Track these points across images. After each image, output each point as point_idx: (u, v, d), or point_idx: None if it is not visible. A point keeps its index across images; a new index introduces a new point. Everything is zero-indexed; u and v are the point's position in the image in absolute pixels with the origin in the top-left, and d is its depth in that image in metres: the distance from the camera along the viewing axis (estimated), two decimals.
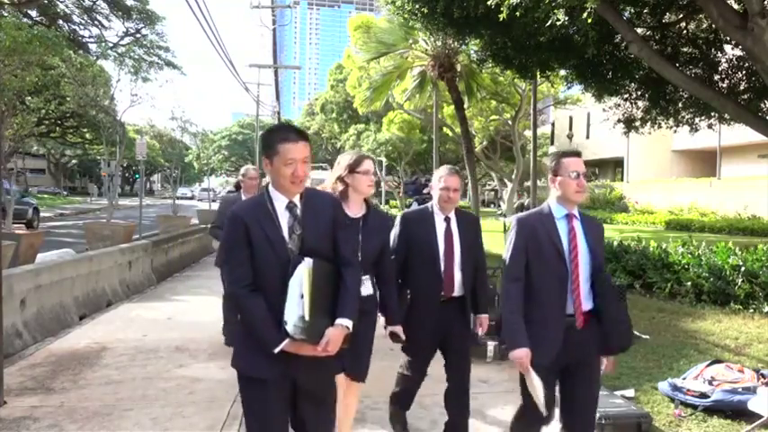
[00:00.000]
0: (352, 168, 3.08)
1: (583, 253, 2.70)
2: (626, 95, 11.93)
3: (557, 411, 2.80)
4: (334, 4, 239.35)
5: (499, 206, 35.30)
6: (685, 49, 10.75)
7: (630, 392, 4.32)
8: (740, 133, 17.50)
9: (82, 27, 22.98)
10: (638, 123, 12.61)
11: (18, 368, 5.00)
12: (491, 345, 5.03)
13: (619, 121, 12.85)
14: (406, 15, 10.77)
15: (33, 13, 20.46)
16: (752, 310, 6.86)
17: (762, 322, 6.44)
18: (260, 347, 2.22)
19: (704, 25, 10.40)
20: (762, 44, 6.95)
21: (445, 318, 3.29)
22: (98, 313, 7.28)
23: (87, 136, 31.29)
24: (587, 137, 34.59)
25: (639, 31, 9.49)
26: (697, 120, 11.95)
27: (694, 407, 4.08)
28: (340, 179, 3.08)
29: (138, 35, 22.15)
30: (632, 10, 9.65)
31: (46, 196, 42.25)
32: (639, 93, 11.81)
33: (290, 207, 2.29)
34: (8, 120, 12.33)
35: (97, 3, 22.17)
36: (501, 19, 7.43)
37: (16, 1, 13.68)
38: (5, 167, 14.78)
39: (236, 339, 2.38)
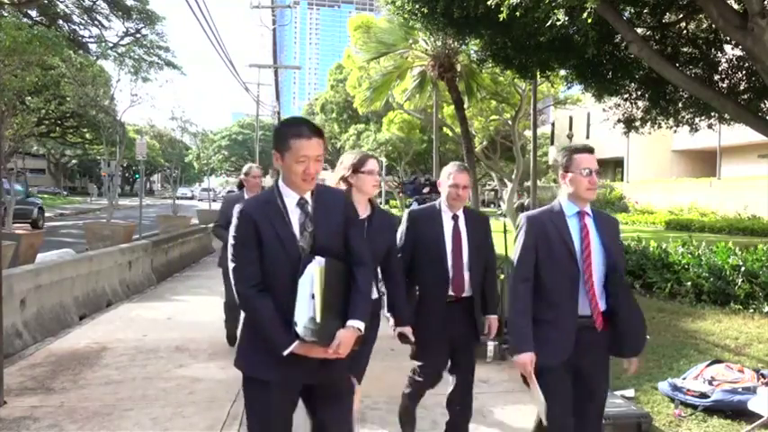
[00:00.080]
0: (357, 168, 3.02)
1: (596, 251, 2.61)
2: (626, 95, 11.92)
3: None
4: (334, 4, 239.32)
5: (499, 206, 35.30)
6: (685, 49, 10.75)
7: (630, 392, 4.32)
8: (740, 133, 17.50)
9: (82, 27, 23.01)
10: (638, 123, 12.60)
11: (18, 368, 5.00)
12: (491, 345, 5.03)
13: (619, 121, 12.84)
14: (406, 15, 10.76)
15: (33, 13, 20.48)
16: (752, 310, 6.86)
17: (762, 322, 6.44)
18: (265, 348, 2.16)
19: (704, 25, 10.39)
20: (762, 44, 6.95)
21: (452, 318, 3.19)
22: (98, 313, 7.28)
23: (87, 136, 31.27)
24: (587, 137, 34.57)
25: (639, 31, 9.49)
26: (697, 120, 11.95)
27: (694, 407, 4.08)
28: (344, 179, 3.02)
29: (138, 35, 22.17)
30: (632, 10, 9.65)
31: (46, 196, 42.15)
32: (639, 93, 11.80)
33: (302, 204, 2.22)
34: (8, 120, 12.32)
35: (97, 3, 22.19)
36: (501, 19, 7.43)
37: (16, 1, 13.67)
38: (5, 167, 14.77)
39: (240, 339, 2.32)
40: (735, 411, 3.93)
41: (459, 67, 17.64)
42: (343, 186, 3.01)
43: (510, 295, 2.70)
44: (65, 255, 8.60)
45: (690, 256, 7.90)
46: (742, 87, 10.88)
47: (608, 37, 9.56)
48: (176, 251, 11.57)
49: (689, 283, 7.47)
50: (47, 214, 22.30)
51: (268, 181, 19.92)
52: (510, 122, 23.93)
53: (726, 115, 10.64)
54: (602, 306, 2.61)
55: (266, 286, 2.16)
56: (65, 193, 54.70)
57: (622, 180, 32.74)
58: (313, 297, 2.09)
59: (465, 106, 18.61)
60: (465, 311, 3.22)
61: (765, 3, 6.91)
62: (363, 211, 3.00)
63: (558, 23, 7.16)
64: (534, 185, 16.65)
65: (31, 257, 9.23)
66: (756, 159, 24.30)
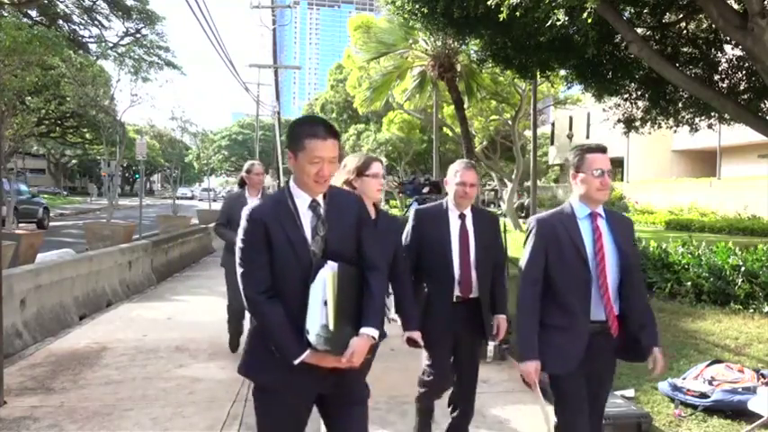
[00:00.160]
0: (361, 171, 2.94)
1: (610, 254, 2.51)
2: (626, 95, 11.92)
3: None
4: (334, 4, 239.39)
5: (499, 206, 35.28)
6: (685, 49, 10.75)
7: (630, 392, 4.32)
8: (740, 133, 17.51)
9: (82, 27, 23.03)
10: (638, 123, 12.61)
11: (18, 368, 5.00)
12: (491, 345, 5.03)
13: (619, 121, 12.85)
14: (406, 15, 10.76)
15: (33, 13, 20.50)
16: (752, 310, 6.86)
17: (762, 322, 6.44)
18: (272, 355, 2.07)
19: (704, 25, 10.39)
20: (762, 44, 6.95)
21: (458, 318, 3.12)
22: (98, 313, 7.28)
23: (87, 136, 31.29)
24: (587, 137, 34.58)
25: (639, 31, 9.49)
26: (697, 120, 11.95)
27: (694, 407, 4.08)
28: (347, 183, 2.93)
29: (138, 35, 22.20)
30: (632, 10, 9.64)
31: (46, 196, 42.00)
32: (639, 93, 11.80)
33: (314, 206, 2.14)
34: (8, 120, 12.32)
35: (97, 3, 22.20)
36: (501, 19, 7.42)
37: (16, 1, 13.67)
38: (5, 167, 14.77)
39: (248, 345, 2.23)
40: (735, 411, 3.93)
41: (459, 67, 17.64)
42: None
43: (517, 298, 2.61)
44: (65, 255, 8.60)
45: (690, 256, 7.90)
46: (742, 87, 10.88)
47: (608, 37, 9.56)
48: (176, 251, 11.57)
49: (689, 283, 7.47)
50: None
51: (268, 180, 19.91)
52: (510, 122, 23.92)
53: (726, 115, 10.64)
54: (616, 310, 2.52)
55: (276, 291, 2.08)
56: (65, 193, 54.70)
57: (622, 180, 32.73)
58: (325, 304, 2.01)
59: (465, 106, 18.61)
60: (472, 312, 3.15)
61: (765, 3, 6.91)
62: None
63: (558, 23, 7.16)
64: (534, 185, 16.65)
65: (31, 257, 9.23)
66: (756, 159, 24.30)
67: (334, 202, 2.18)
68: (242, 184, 5.44)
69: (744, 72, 10.71)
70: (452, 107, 20.16)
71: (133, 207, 29.09)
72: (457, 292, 3.13)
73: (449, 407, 3.35)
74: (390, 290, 3.03)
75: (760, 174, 22.98)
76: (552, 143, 40.37)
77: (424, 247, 3.17)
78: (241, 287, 2.11)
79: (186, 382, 4.68)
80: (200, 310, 7.52)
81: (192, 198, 57.44)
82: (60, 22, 21.72)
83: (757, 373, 4.31)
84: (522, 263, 2.62)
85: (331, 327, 2.00)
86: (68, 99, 15.98)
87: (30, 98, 15.69)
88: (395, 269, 2.98)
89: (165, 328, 6.58)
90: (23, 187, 20.36)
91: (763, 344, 5.69)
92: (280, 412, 2.15)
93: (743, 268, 7.24)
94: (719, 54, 10.80)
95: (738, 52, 10.41)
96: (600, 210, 2.58)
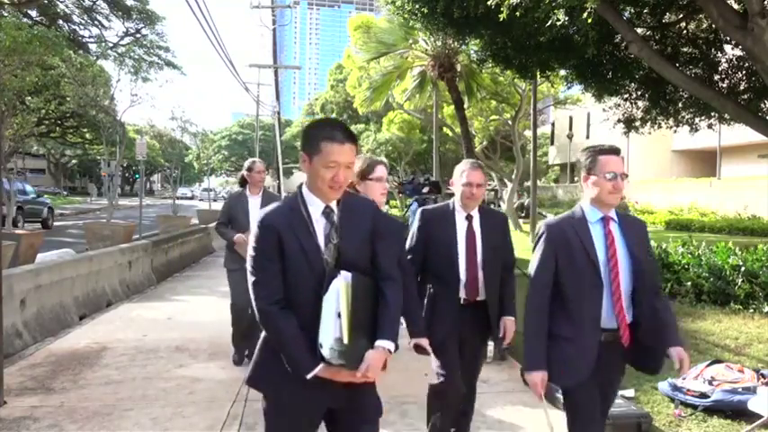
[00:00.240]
0: (365, 175, 2.86)
1: (623, 259, 2.42)
2: (626, 95, 11.93)
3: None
4: (334, 4, 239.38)
5: (499, 206, 35.29)
6: (685, 49, 10.75)
7: (630, 392, 4.32)
8: (740, 133, 17.51)
9: (82, 27, 23.05)
10: (638, 123, 12.61)
11: (18, 368, 5.00)
12: (491, 345, 5.03)
13: (619, 121, 12.85)
14: (406, 15, 10.76)
15: (33, 13, 20.51)
16: (752, 310, 6.86)
17: (762, 322, 6.44)
18: (284, 368, 1.99)
19: (704, 25, 10.40)
20: (762, 44, 6.95)
21: (464, 320, 3.05)
22: (98, 313, 7.28)
23: (87, 136, 31.27)
24: (587, 137, 34.62)
25: (639, 31, 9.49)
26: (697, 120, 11.96)
27: (694, 407, 4.08)
28: (350, 186, 2.82)
29: (138, 35, 22.22)
30: (632, 10, 9.65)
31: (46, 196, 42.22)
32: (639, 93, 11.81)
33: (327, 213, 2.05)
34: (8, 120, 12.33)
35: (97, 3, 22.21)
36: (501, 19, 7.43)
37: (16, 1, 13.67)
38: (5, 167, 14.77)
39: (258, 355, 2.14)
40: (735, 411, 3.93)
41: (459, 67, 17.65)
42: None
43: (525, 305, 2.52)
44: (65, 255, 8.60)
45: (690, 256, 7.91)
46: (742, 87, 10.89)
47: (608, 37, 9.56)
48: (176, 251, 11.57)
49: (689, 283, 7.47)
50: None
51: (268, 180, 19.90)
52: (510, 122, 23.91)
53: (726, 115, 10.64)
54: (628, 318, 2.43)
55: (288, 302, 2.00)
56: (65, 193, 54.70)
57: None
58: (339, 316, 1.93)
59: (465, 106, 18.61)
60: (478, 315, 3.08)
61: (765, 3, 6.91)
62: None
63: (558, 23, 7.17)
64: (534, 185, 16.66)
65: (31, 257, 9.23)
66: (756, 159, 24.31)
67: (348, 209, 2.09)
68: (243, 182, 5.31)
69: (744, 72, 10.72)
70: (452, 107, 20.16)
71: (133, 207, 29.08)
72: (463, 295, 3.06)
73: None
74: None
75: (760, 174, 23.00)
76: (552, 143, 40.42)
77: (429, 249, 3.10)
78: (252, 298, 2.02)
79: (186, 382, 4.68)
80: (200, 310, 7.52)
81: (192, 198, 57.46)
82: (60, 22, 21.74)
83: (757, 373, 4.31)
84: (532, 269, 2.53)
85: (345, 340, 1.93)
86: (68, 99, 15.99)
87: (30, 98, 15.70)
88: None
89: (165, 328, 6.58)
90: (29, 187, 20.42)
91: (763, 344, 5.69)
92: (289, 426, 2.09)
93: (743, 268, 7.24)
94: (719, 54, 10.81)
95: (738, 52, 10.41)
96: (612, 213, 2.48)
